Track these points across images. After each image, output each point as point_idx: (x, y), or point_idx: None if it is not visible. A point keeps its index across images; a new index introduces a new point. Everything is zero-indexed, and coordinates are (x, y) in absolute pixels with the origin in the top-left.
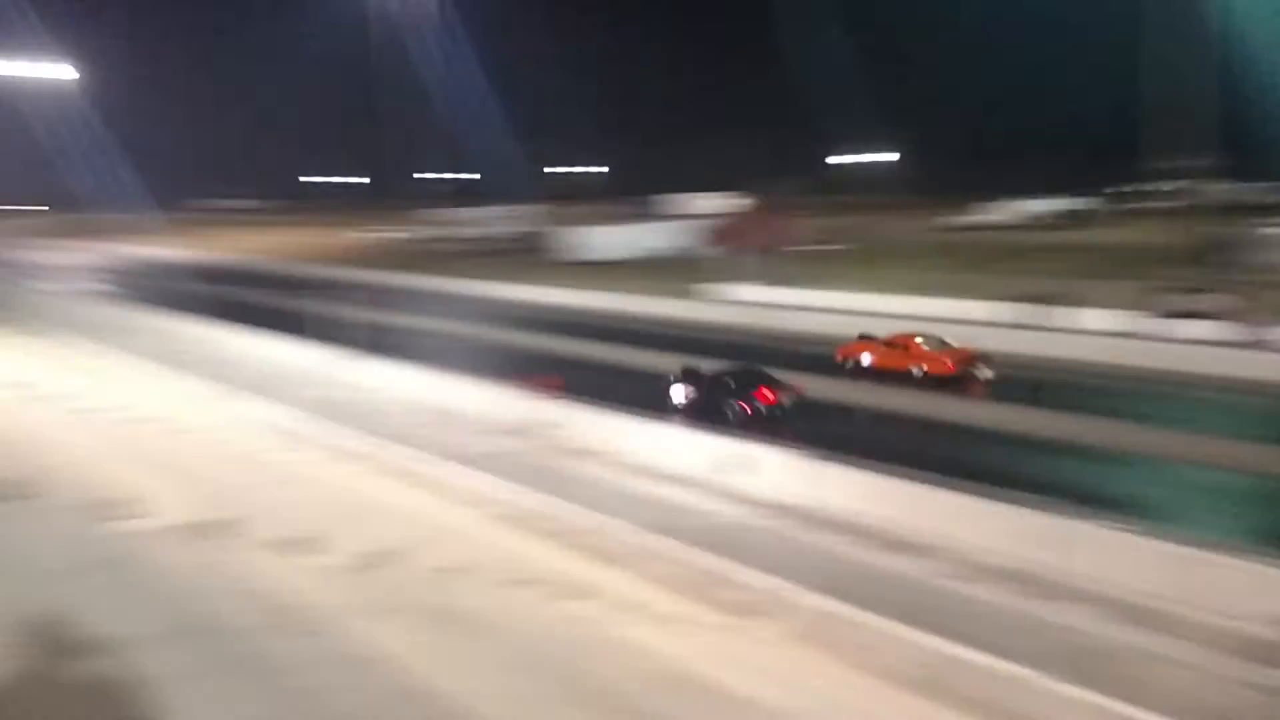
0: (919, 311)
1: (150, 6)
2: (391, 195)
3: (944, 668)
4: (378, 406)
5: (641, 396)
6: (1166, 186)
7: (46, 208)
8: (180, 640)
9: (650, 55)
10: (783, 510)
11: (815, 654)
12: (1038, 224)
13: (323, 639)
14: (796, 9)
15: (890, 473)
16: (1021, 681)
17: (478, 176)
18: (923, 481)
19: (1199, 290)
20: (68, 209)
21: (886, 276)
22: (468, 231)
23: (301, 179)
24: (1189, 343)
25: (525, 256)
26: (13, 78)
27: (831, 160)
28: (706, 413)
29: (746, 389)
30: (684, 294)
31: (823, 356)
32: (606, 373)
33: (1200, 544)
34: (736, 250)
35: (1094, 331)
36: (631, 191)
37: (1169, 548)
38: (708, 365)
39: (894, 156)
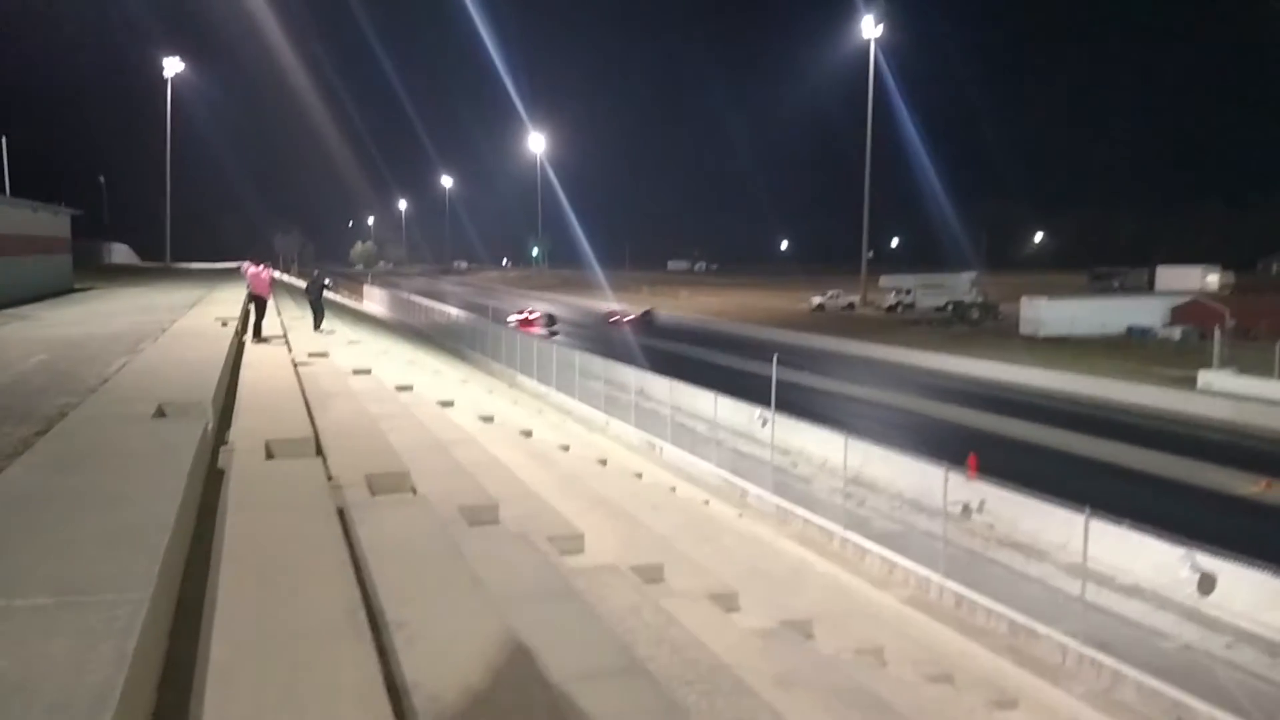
0: None
1: (607, 88)
2: (841, 258)
3: None
4: (796, 470)
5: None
6: None
7: (506, 262)
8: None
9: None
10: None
11: None
12: None
13: (737, 698)
14: None
15: None
16: None
17: (898, 242)
18: None
19: None
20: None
21: None
22: (917, 298)
23: (755, 243)
24: None
25: (975, 327)
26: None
27: None
28: None
29: None
30: (1177, 382)
31: None
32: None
33: None
34: (1227, 333)
35: None
36: (1087, 260)
37: None
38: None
39: None
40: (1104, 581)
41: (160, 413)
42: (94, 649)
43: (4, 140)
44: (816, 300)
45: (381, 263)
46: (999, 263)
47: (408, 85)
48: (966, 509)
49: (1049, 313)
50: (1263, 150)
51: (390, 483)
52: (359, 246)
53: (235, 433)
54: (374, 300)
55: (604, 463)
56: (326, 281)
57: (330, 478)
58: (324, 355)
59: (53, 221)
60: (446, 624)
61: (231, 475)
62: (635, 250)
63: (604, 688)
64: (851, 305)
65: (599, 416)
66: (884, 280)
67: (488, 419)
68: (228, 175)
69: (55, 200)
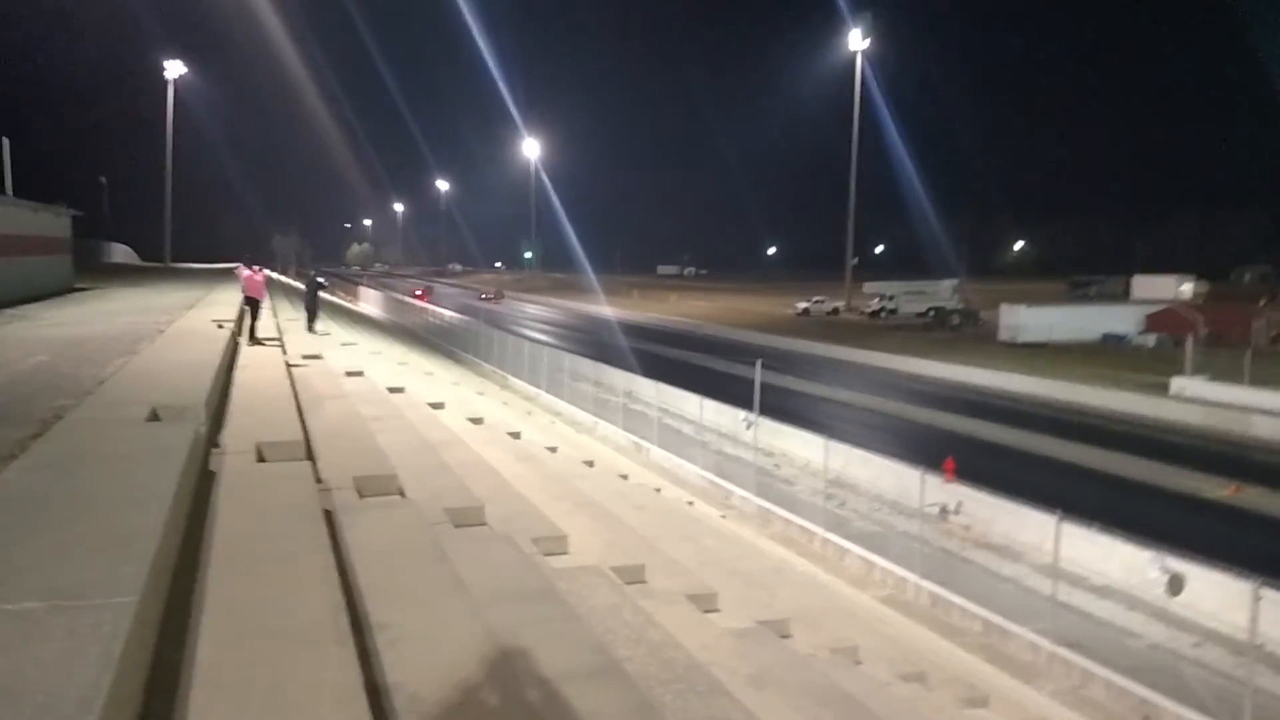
0: None
1: (600, 95)
2: (827, 264)
3: None
4: (779, 472)
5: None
6: None
7: (499, 265)
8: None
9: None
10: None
11: None
12: None
13: (711, 697)
14: None
15: None
16: None
17: (881, 248)
18: None
19: None
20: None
21: None
22: (899, 304)
23: (743, 248)
24: None
25: (956, 333)
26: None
27: None
28: None
29: None
30: (1150, 388)
31: None
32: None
33: None
34: (1199, 341)
35: None
36: (1065, 268)
37: None
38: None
39: None
40: (1077, 582)
41: (154, 416)
42: (81, 653)
43: (6, 142)
44: (801, 305)
45: (378, 264)
46: (980, 270)
47: (406, 90)
48: (944, 511)
49: (1028, 319)
50: (1235, 162)
51: (378, 485)
52: (355, 248)
53: (227, 435)
54: (369, 301)
55: (591, 464)
56: (321, 282)
57: (320, 480)
58: (318, 357)
59: (54, 222)
60: (428, 625)
61: (222, 478)
62: (626, 255)
63: (581, 688)
64: (836, 311)
65: (588, 418)
66: (867, 287)
67: (477, 420)
68: (228, 176)
69: (57, 200)
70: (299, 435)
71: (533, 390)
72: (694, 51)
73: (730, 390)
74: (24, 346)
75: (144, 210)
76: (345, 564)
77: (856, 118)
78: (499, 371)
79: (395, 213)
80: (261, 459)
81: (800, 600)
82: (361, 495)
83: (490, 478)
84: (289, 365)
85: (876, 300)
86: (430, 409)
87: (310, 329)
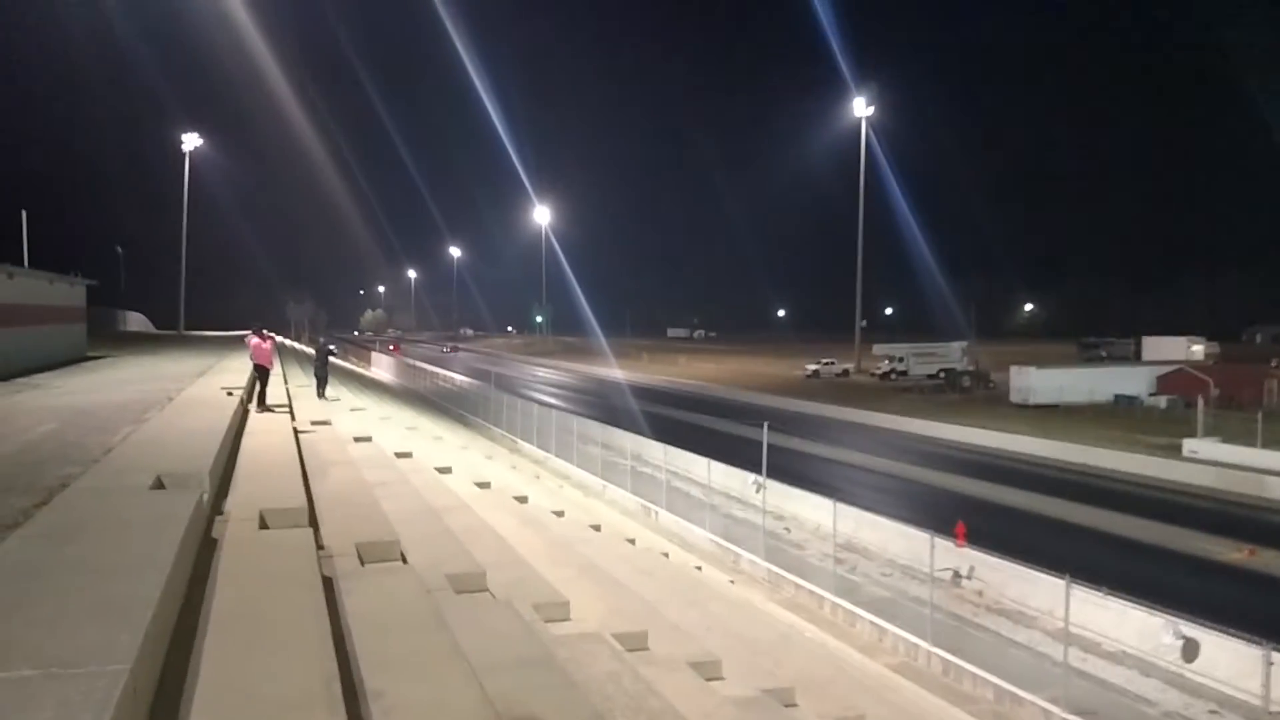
0: None
1: (612, 164)
2: (835, 326)
3: None
4: (789, 536)
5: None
6: None
7: (511, 329)
8: None
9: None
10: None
11: None
12: None
13: None
14: None
15: None
16: None
17: (890, 311)
18: None
19: None
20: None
21: None
22: (910, 366)
23: (752, 311)
24: None
25: (967, 395)
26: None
27: None
28: None
29: None
30: (1162, 450)
31: None
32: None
33: None
34: (1211, 402)
35: None
36: (1075, 330)
37: None
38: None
39: None
40: (1089, 647)
41: (159, 484)
42: None
43: (24, 215)
44: (811, 367)
45: (390, 330)
46: (989, 332)
47: (419, 160)
48: (956, 575)
49: (1039, 381)
50: (1244, 226)
51: (379, 551)
52: (369, 314)
53: (232, 502)
54: (381, 366)
55: (597, 528)
56: (331, 349)
57: (321, 547)
58: (326, 423)
59: (69, 292)
60: (424, 694)
61: (224, 545)
62: (636, 318)
63: None
64: (846, 372)
65: (596, 482)
66: (877, 348)
67: (484, 485)
68: (243, 245)
69: (74, 269)
70: (302, 502)
71: (541, 454)
72: (704, 118)
73: (740, 453)
74: (35, 415)
75: (160, 279)
76: (343, 631)
77: (862, 182)
78: (509, 435)
79: (408, 279)
80: (264, 526)
81: (807, 668)
82: (363, 562)
83: (494, 543)
84: (297, 431)
85: (886, 362)
86: (437, 474)
87: (320, 395)
